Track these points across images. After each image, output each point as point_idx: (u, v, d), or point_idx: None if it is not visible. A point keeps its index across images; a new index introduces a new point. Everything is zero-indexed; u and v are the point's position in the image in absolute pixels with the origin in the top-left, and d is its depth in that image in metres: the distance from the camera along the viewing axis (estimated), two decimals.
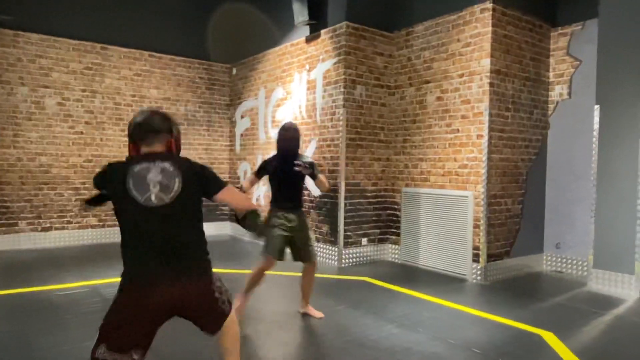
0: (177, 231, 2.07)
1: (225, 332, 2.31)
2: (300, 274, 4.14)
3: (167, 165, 2.06)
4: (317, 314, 4.09)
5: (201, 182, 2.15)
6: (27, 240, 6.96)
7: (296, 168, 3.77)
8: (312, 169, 3.84)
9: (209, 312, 2.22)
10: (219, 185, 2.20)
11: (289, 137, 3.98)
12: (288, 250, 3.97)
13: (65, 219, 7.30)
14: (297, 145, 4.02)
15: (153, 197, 2.00)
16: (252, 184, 3.91)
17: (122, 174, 2.01)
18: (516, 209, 5.74)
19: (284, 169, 3.89)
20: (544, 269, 6.04)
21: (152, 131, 2.15)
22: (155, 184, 2.00)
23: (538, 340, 3.62)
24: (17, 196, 6.93)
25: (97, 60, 7.50)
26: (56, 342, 3.41)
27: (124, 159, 2.14)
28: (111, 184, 2.06)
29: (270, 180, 4.03)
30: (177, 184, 2.04)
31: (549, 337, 3.65)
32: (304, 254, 3.97)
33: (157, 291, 2.00)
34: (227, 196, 2.21)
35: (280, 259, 3.90)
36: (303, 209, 4.10)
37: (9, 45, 6.80)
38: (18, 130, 6.91)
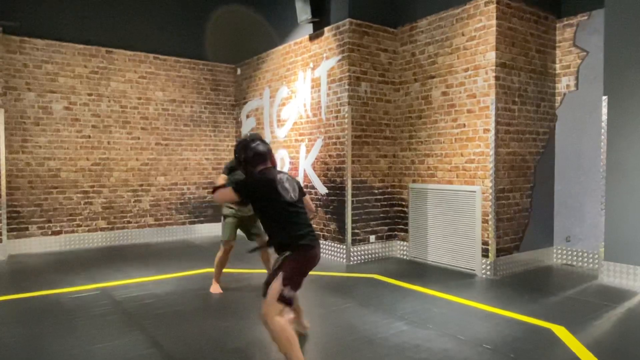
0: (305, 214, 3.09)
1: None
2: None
3: (287, 176, 3.11)
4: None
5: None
6: (37, 244, 7.03)
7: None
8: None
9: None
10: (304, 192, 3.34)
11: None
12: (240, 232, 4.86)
13: (75, 223, 7.36)
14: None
15: (292, 196, 3.00)
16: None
17: (271, 182, 2.96)
18: (525, 203, 5.70)
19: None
20: (554, 263, 5.98)
21: (269, 152, 3.19)
22: (291, 188, 3.03)
23: (549, 334, 3.59)
24: (27, 201, 7.00)
25: (103, 64, 7.55)
26: (66, 345, 3.44)
27: (260, 173, 3.07)
28: (264, 188, 2.95)
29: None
30: (297, 188, 3.12)
31: (561, 332, 3.62)
32: (255, 231, 4.88)
33: (317, 248, 2.99)
34: (307, 199, 3.34)
35: (234, 239, 4.84)
36: None
37: (15, 52, 6.86)
38: (26, 136, 6.97)
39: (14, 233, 6.87)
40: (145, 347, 3.40)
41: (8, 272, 5.83)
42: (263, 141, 3.21)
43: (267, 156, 3.12)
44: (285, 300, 2.79)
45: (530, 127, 5.72)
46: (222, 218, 4.93)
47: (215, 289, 4.85)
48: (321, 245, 3.14)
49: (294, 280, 2.84)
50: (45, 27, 7.08)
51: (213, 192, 3.11)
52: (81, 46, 7.35)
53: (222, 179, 4.47)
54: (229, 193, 2.95)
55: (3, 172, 6.53)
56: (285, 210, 2.91)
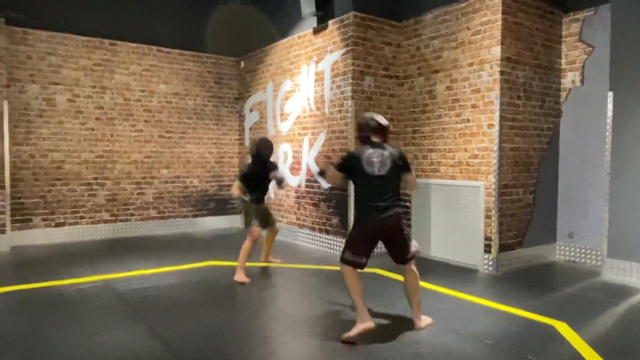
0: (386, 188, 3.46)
1: (409, 270, 3.61)
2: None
3: (381, 152, 3.46)
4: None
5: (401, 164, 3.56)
6: (41, 235, 7.06)
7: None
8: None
9: (401, 244, 3.53)
10: (409, 167, 3.63)
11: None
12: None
13: (79, 215, 7.38)
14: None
15: (376, 170, 3.43)
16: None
17: (359, 157, 3.47)
18: (528, 199, 5.67)
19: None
20: (557, 259, 5.97)
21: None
22: (378, 163, 3.43)
23: (551, 331, 3.58)
24: (31, 192, 7.02)
25: (106, 56, 7.54)
26: (68, 335, 3.45)
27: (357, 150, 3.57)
28: (352, 162, 3.48)
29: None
30: (388, 163, 3.46)
31: (563, 328, 3.61)
32: (269, 219, 5.52)
33: (380, 221, 3.39)
34: (410, 176, 3.65)
35: (259, 225, 5.23)
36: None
37: (19, 43, 6.86)
38: (30, 128, 6.99)
39: (18, 224, 6.90)
40: (146, 339, 3.41)
41: (11, 263, 5.87)
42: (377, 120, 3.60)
43: (376, 132, 3.56)
44: (347, 262, 3.41)
45: (535, 122, 5.69)
46: (241, 210, 5.49)
47: (241, 277, 4.93)
48: (394, 217, 3.44)
49: (352, 246, 3.42)
50: (49, 19, 7.08)
51: (323, 175, 3.83)
52: (85, 38, 7.34)
53: (236, 187, 5.23)
54: (335, 172, 3.57)
55: (7, 163, 6.55)
56: (364, 183, 3.42)
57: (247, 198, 5.20)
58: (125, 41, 7.68)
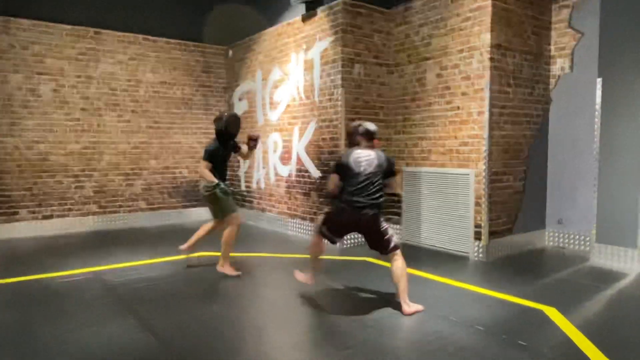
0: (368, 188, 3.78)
1: (393, 259, 3.78)
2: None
3: (368, 154, 3.83)
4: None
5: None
6: (28, 228, 6.96)
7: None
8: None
9: (377, 238, 3.81)
10: (393, 171, 3.94)
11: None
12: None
13: (66, 207, 7.28)
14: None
15: (361, 170, 3.76)
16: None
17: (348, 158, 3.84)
18: (518, 186, 5.70)
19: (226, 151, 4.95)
20: (546, 245, 6.02)
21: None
22: (365, 164, 3.79)
23: (541, 315, 3.61)
24: (17, 185, 6.90)
25: (91, 45, 7.39)
26: (58, 329, 3.41)
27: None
28: (343, 163, 3.85)
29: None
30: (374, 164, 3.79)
31: (552, 313, 3.64)
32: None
33: (349, 214, 3.76)
34: (393, 181, 3.94)
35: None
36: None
37: (0, 32, 6.69)
38: (15, 119, 6.84)
39: (4, 217, 6.79)
40: (137, 331, 3.38)
41: None
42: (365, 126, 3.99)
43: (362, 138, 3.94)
44: (324, 235, 3.95)
45: (525, 109, 5.69)
46: (214, 199, 4.77)
47: (230, 269, 4.81)
48: (370, 215, 3.74)
49: (330, 225, 3.91)
50: (31, 7, 6.90)
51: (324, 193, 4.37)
52: (69, 26, 7.18)
53: (204, 165, 4.72)
54: (334, 177, 3.88)
55: None
56: (350, 179, 3.76)
57: (219, 183, 4.71)
58: (111, 30, 7.53)
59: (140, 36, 7.81)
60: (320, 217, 3.97)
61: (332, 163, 4.42)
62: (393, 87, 6.43)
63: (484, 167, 5.32)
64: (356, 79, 6.14)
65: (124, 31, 7.64)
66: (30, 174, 7.00)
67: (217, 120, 4.87)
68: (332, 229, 3.91)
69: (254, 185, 8.09)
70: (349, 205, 3.73)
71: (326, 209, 4.03)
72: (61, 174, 7.23)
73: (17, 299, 4.09)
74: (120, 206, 7.72)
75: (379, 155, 3.84)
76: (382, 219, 3.84)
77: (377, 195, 3.75)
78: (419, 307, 3.73)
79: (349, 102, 6.07)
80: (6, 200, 6.81)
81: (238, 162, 8.54)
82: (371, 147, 3.91)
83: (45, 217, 7.11)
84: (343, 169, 3.80)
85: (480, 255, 5.38)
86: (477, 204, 5.39)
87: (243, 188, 8.44)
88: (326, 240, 4.00)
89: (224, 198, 4.76)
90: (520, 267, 5.08)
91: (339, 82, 6.03)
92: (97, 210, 7.53)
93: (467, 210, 5.49)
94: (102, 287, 4.41)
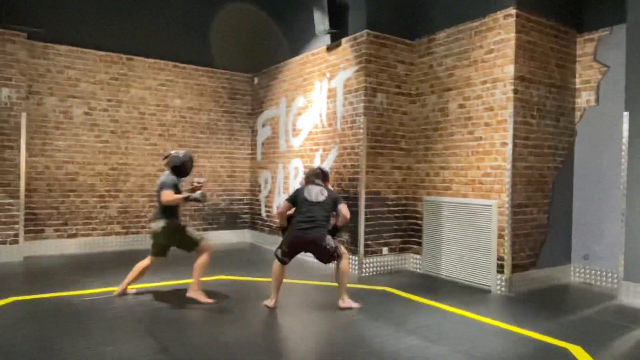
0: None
1: (335, 268, 4.55)
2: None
3: (318, 189, 4.64)
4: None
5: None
6: (53, 246, 7.12)
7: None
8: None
9: (320, 253, 4.51)
10: (340, 202, 4.66)
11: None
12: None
13: (91, 226, 7.44)
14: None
15: (313, 199, 4.55)
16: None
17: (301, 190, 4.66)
18: (542, 219, 5.59)
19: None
20: (571, 281, 5.84)
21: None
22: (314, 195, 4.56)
23: (566, 354, 3.49)
24: (45, 203, 7.10)
25: (123, 71, 7.68)
26: (77, 346, 3.45)
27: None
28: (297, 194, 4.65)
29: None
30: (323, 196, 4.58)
31: (578, 352, 3.51)
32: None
33: (301, 237, 4.47)
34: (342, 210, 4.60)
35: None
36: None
37: (39, 57, 7.02)
38: (47, 139, 7.10)
39: (31, 235, 6.97)
40: (154, 352, 3.39)
41: (24, 273, 5.91)
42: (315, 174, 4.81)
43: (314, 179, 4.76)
44: (277, 258, 4.53)
45: (549, 141, 5.64)
46: (180, 232, 4.77)
47: (202, 296, 4.70)
48: (313, 235, 4.42)
49: (283, 248, 4.51)
50: (69, 34, 7.25)
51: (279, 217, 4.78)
52: (103, 53, 7.50)
53: (169, 195, 4.54)
54: (285, 203, 4.66)
55: (23, 174, 6.66)
56: (302, 206, 4.51)
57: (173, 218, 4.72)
58: (142, 56, 7.83)
59: (171, 63, 8.09)
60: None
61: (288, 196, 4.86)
62: (415, 116, 6.47)
63: (507, 198, 5.25)
64: (378, 107, 6.20)
65: (155, 58, 7.93)
66: (59, 193, 7.20)
67: (173, 157, 4.86)
68: (285, 252, 4.54)
69: (274, 211, 8.13)
70: (298, 227, 4.48)
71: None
72: (88, 193, 7.42)
73: (41, 315, 4.16)
74: (143, 227, 7.84)
75: (329, 191, 4.65)
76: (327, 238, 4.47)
77: (323, 222, 4.48)
78: (355, 304, 4.47)
79: (370, 130, 6.12)
80: (34, 218, 7.00)
81: (259, 185, 8.63)
82: (324, 185, 4.69)
83: (70, 236, 7.27)
84: (297, 198, 4.56)
85: (503, 288, 5.25)
86: (500, 235, 5.30)
87: (263, 213, 8.49)
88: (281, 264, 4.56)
89: (188, 229, 4.85)
90: (544, 303, 4.94)
91: (362, 110, 6.10)
92: (120, 230, 7.66)
93: (490, 242, 5.40)
94: (122, 306, 4.45)
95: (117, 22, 7.62)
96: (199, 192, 4.65)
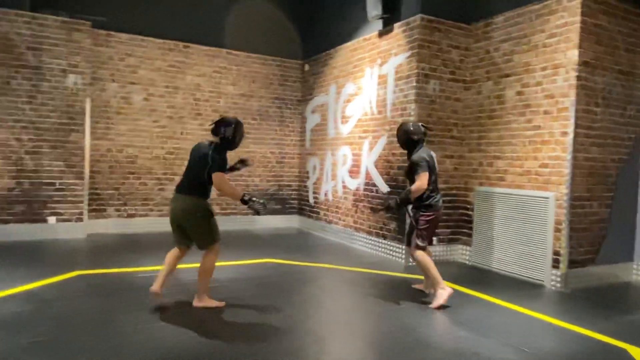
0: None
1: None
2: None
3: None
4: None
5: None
6: (114, 225, 7.53)
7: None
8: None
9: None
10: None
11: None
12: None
13: (148, 207, 7.80)
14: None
15: None
16: None
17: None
18: (603, 213, 5.30)
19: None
20: (633, 279, 5.52)
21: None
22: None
23: (624, 355, 3.32)
24: (107, 184, 7.51)
25: (180, 58, 7.92)
26: (135, 319, 3.66)
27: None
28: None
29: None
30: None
31: (637, 353, 3.33)
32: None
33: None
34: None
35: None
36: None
37: (102, 45, 7.37)
38: (109, 124, 7.48)
39: (94, 214, 7.41)
40: (203, 329, 3.54)
41: (87, 249, 6.30)
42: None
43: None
44: (417, 246, 4.42)
45: (614, 131, 5.30)
46: (204, 218, 3.96)
47: (211, 301, 4.08)
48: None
49: (421, 230, 4.44)
50: (130, 22, 7.55)
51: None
52: (161, 41, 7.76)
53: (225, 181, 3.91)
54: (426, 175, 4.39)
55: (87, 156, 7.07)
56: (431, 176, 4.43)
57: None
58: (198, 44, 8.04)
59: (224, 50, 8.26)
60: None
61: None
62: (469, 103, 6.27)
63: (565, 190, 5.01)
64: (430, 94, 6.06)
65: (210, 45, 8.12)
66: (119, 175, 7.59)
67: (226, 125, 4.02)
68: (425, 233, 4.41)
69: (321, 197, 8.19)
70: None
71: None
72: (146, 176, 7.77)
73: (102, 289, 4.44)
74: None
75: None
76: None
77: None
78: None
79: (421, 117, 6.00)
80: (97, 198, 7.43)
81: (307, 172, 8.70)
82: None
83: (129, 216, 7.66)
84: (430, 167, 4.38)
85: (558, 284, 5.04)
86: (557, 229, 5.07)
87: (311, 199, 8.57)
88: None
89: (214, 220, 3.98)
90: (603, 301, 4.70)
91: (413, 97, 5.98)
92: None
93: (545, 236, 5.18)
94: (176, 284, 4.66)
95: (175, 11, 7.86)
96: (258, 204, 3.96)
